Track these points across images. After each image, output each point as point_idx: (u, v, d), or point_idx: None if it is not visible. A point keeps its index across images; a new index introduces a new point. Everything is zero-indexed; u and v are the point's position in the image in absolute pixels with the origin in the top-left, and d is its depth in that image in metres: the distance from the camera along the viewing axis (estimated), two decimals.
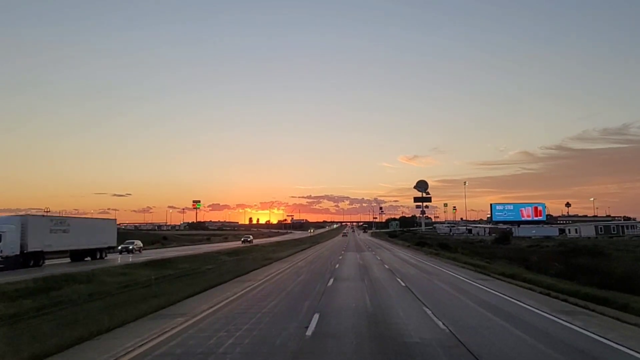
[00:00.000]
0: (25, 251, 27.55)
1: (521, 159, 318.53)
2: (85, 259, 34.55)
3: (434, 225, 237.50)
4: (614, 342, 8.20)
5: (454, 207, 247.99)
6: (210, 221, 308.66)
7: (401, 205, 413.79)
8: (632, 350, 7.67)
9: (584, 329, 9.35)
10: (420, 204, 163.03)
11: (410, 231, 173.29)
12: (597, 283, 17.37)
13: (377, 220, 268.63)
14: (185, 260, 33.21)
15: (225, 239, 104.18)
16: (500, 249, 56.46)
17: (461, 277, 20.41)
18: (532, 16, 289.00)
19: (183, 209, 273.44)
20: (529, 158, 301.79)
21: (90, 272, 21.23)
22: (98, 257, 35.45)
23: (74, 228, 32.61)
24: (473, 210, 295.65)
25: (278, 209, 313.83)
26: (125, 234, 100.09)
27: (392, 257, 37.35)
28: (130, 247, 46.11)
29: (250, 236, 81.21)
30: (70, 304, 12.99)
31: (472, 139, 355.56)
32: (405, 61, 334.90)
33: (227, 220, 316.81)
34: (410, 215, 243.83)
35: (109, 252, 38.56)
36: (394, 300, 13.60)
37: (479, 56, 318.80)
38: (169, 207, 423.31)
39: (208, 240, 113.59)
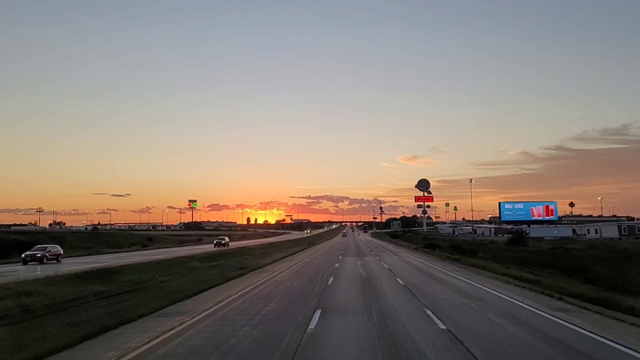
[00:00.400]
0: None
1: (521, 159, 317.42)
2: None
3: (435, 225, 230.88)
4: None
5: (455, 207, 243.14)
6: (209, 221, 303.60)
7: (401, 206, 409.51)
8: None
9: None
10: (421, 203, 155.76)
11: (412, 231, 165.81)
12: None
13: (377, 220, 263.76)
14: (136, 270, 25.52)
15: (200, 240, 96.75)
16: (522, 251, 48.98)
17: (527, 306, 12.61)
18: (532, 16, 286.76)
19: (180, 209, 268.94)
20: (528, 158, 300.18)
21: None
22: None
23: None
24: (474, 210, 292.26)
25: (277, 209, 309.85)
26: (106, 234, 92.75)
27: (403, 265, 29.63)
28: (39, 254, 33.69)
29: (226, 238, 68.00)
30: None
31: (472, 139, 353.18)
32: (405, 61, 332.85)
33: (224, 221, 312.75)
34: (411, 216, 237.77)
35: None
36: None
37: (478, 56, 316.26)
38: (169, 207, 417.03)
39: (199, 240, 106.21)
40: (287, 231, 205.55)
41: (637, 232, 71.93)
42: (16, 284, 17.21)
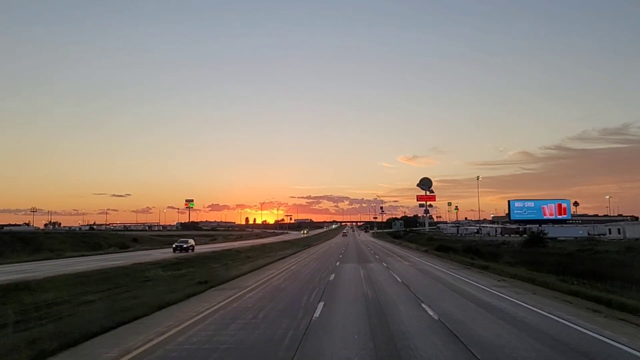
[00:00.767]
0: None
1: (521, 159, 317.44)
2: None
3: (437, 225, 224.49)
4: None
5: (456, 206, 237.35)
6: (207, 221, 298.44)
7: (401, 206, 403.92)
8: None
9: None
10: (423, 202, 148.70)
11: (414, 231, 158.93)
12: None
13: (377, 220, 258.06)
14: (63, 284, 18.60)
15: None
16: (550, 255, 41.91)
17: None
18: (532, 16, 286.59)
19: (179, 209, 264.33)
20: (528, 158, 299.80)
21: None
22: None
23: None
24: (473, 210, 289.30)
25: (278, 209, 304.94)
26: (86, 235, 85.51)
27: (422, 278, 22.15)
28: None
29: (190, 240, 51.84)
30: None
31: (472, 139, 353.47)
32: (405, 61, 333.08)
33: (223, 220, 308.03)
34: (412, 215, 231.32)
35: None
36: None
37: (478, 56, 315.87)
38: (168, 207, 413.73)
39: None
40: (285, 231, 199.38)
41: None
42: None
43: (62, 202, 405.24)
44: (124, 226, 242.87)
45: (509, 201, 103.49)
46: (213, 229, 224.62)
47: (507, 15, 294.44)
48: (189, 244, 48.93)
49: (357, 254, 41.66)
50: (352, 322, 10.37)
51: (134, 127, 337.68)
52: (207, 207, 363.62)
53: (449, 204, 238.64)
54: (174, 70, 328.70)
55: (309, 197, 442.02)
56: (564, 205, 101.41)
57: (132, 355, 7.74)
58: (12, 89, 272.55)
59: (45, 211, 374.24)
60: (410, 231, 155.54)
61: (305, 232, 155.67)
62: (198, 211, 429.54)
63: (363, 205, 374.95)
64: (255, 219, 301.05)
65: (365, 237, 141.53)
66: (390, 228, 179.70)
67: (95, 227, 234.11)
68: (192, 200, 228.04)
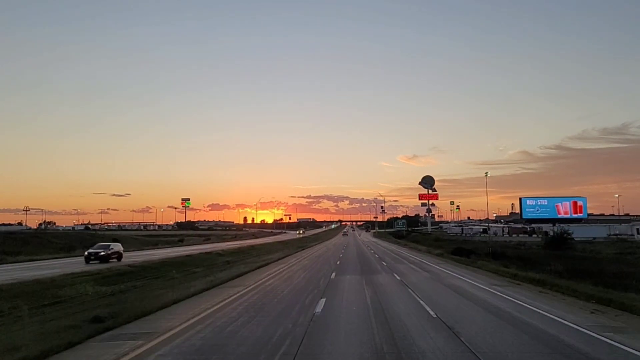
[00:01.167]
0: None
1: (521, 159, 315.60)
2: None
3: (440, 224, 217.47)
4: None
5: (458, 206, 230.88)
6: (205, 220, 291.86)
7: (401, 205, 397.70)
8: None
9: None
10: (425, 201, 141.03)
11: (416, 231, 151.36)
12: None
13: (377, 219, 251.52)
14: None
15: (180, 241, 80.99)
16: (593, 261, 34.45)
17: None
18: (532, 16, 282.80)
19: (176, 208, 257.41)
20: (528, 158, 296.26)
21: None
22: None
23: None
24: (473, 209, 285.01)
25: (278, 208, 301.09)
26: (55, 235, 77.87)
27: (467, 307, 13.66)
28: None
29: (115, 245, 36.96)
30: None
31: (472, 138, 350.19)
32: (405, 61, 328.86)
33: (222, 220, 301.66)
34: (413, 215, 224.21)
35: None
36: None
37: (478, 56, 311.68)
38: (168, 206, 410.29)
39: (180, 242, 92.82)
40: (283, 231, 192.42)
41: None
42: None
43: (62, 202, 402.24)
44: (119, 226, 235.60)
45: (520, 199, 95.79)
46: (210, 229, 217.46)
47: (507, 15, 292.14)
48: (111, 250, 34.72)
49: (359, 259, 33.87)
50: None
51: (133, 126, 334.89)
52: (207, 206, 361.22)
53: (452, 202, 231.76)
54: (174, 69, 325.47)
55: (309, 197, 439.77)
56: (579, 203, 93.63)
57: None
58: (11, 88, 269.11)
59: (47, 211, 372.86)
60: (413, 231, 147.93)
61: (301, 232, 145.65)
62: (198, 211, 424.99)
63: (363, 204, 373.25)
64: (253, 218, 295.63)
65: (366, 236, 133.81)
66: (391, 228, 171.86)
67: (90, 226, 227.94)
68: (188, 199, 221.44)
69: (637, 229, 69.78)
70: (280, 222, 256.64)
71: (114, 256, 34.78)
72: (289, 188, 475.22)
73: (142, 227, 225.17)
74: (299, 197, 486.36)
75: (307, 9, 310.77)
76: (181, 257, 39.39)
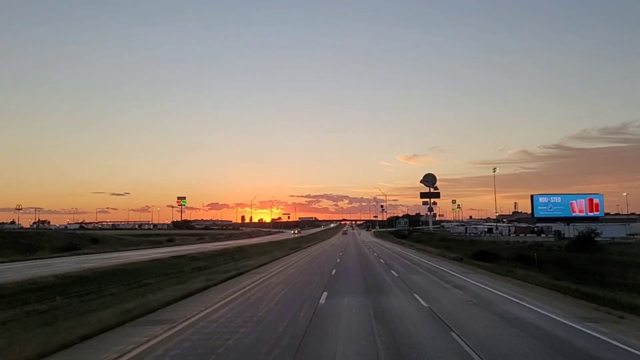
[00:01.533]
0: None
1: (520, 158, 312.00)
2: None
3: (441, 223, 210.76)
4: None
5: (458, 205, 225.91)
6: (202, 220, 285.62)
7: (401, 205, 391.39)
8: None
9: None
10: (427, 200, 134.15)
11: (418, 230, 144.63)
12: None
13: (377, 218, 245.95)
14: None
15: (170, 241, 73.55)
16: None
17: None
18: (531, 15, 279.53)
19: (173, 207, 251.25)
20: (528, 157, 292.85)
21: None
22: None
23: None
24: (473, 209, 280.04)
25: (277, 208, 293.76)
26: (22, 235, 70.61)
27: None
28: None
29: None
30: None
31: (471, 138, 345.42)
32: (405, 60, 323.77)
33: (219, 219, 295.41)
34: (414, 214, 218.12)
35: None
36: None
37: (478, 55, 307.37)
38: (168, 205, 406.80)
39: (169, 241, 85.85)
40: (281, 230, 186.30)
41: None
42: None
43: (61, 201, 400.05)
44: (114, 225, 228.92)
45: (532, 196, 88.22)
46: (206, 228, 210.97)
47: (506, 14, 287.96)
48: None
49: (361, 266, 26.57)
50: None
51: (133, 126, 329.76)
52: (207, 205, 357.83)
53: (454, 201, 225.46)
54: (174, 69, 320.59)
55: (308, 196, 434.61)
56: (595, 200, 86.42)
57: None
58: (11, 88, 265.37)
59: (46, 210, 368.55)
60: (414, 230, 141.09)
61: (296, 231, 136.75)
62: (197, 210, 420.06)
63: (363, 204, 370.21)
64: (251, 217, 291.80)
65: (366, 236, 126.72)
66: (393, 227, 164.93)
67: (84, 225, 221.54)
68: (184, 198, 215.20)
69: None
70: (278, 221, 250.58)
71: None
72: (289, 187, 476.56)
73: (137, 226, 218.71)
74: (298, 196, 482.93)
75: (307, 9, 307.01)
76: (145, 261, 32.28)
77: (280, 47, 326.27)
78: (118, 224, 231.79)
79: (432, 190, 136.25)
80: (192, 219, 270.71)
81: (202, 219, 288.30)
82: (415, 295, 14.60)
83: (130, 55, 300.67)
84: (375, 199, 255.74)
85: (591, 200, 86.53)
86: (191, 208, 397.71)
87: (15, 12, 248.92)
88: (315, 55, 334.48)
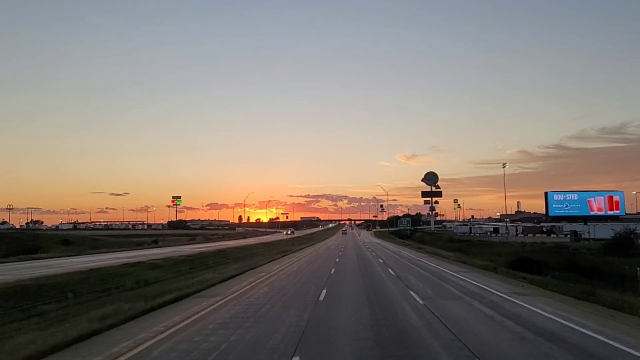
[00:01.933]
0: None
1: (519, 158, 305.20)
2: None
3: (443, 223, 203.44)
4: None
5: (459, 204, 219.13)
6: (199, 219, 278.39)
7: (400, 204, 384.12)
8: None
9: None
10: (429, 199, 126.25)
11: (419, 230, 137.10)
12: None
13: (377, 218, 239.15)
14: None
15: (155, 242, 64.82)
16: None
17: None
18: (531, 15, 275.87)
19: (169, 206, 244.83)
20: (527, 157, 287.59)
21: None
22: None
23: None
24: (472, 209, 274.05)
25: (276, 208, 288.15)
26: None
27: None
28: None
29: None
30: None
31: (471, 137, 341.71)
32: (404, 60, 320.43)
33: (216, 219, 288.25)
34: (414, 214, 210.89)
35: None
36: None
37: (477, 55, 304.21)
38: (167, 206, 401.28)
39: (155, 242, 78.48)
40: (278, 230, 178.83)
41: None
42: None
43: (60, 201, 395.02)
44: (107, 225, 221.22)
45: (546, 193, 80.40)
46: (202, 228, 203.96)
47: (506, 13, 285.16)
48: None
49: (363, 281, 18.49)
50: None
51: (132, 125, 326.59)
52: (206, 205, 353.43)
53: (455, 200, 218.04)
54: (173, 69, 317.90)
55: (307, 196, 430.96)
56: (615, 198, 78.69)
57: None
58: (10, 88, 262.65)
59: (45, 210, 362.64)
60: (415, 230, 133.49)
61: (289, 232, 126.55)
62: (196, 210, 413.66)
63: (362, 204, 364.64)
64: (249, 217, 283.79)
65: (367, 236, 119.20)
66: (393, 226, 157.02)
67: (77, 225, 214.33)
68: (179, 197, 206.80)
69: None
70: (276, 220, 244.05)
71: None
72: (288, 187, 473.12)
73: (130, 227, 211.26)
74: (297, 196, 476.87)
75: (307, 9, 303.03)
76: (82, 272, 24.50)
77: (280, 47, 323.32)
78: (111, 224, 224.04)
79: (433, 189, 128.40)
80: (189, 219, 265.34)
81: (199, 219, 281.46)
82: None
83: (130, 55, 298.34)
84: (375, 198, 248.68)
85: (611, 198, 78.80)
86: (190, 208, 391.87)
87: (15, 12, 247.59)
88: (315, 55, 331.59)
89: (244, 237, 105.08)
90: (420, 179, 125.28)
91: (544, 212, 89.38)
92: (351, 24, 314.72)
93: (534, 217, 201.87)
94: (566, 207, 79.44)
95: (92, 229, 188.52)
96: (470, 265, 26.72)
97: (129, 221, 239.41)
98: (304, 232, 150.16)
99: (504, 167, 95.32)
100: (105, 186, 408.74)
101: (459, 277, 20.43)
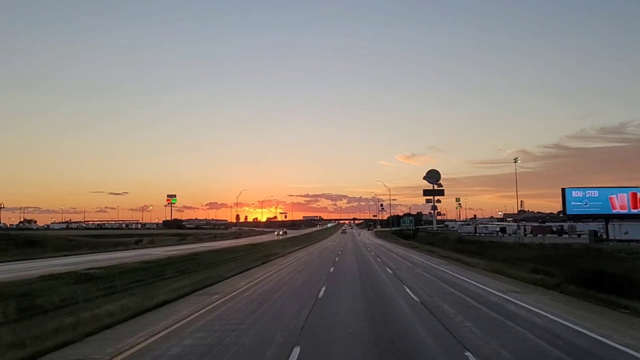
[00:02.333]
0: None
1: (519, 158, 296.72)
2: None
3: (445, 223, 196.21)
4: None
5: (459, 203, 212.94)
6: (196, 219, 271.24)
7: (399, 204, 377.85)
8: None
9: None
10: (430, 197, 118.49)
11: (421, 230, 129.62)
12: None
13: (377, 217, 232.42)
14: None
15: (137, 243, 56.57)
16: None
17: None
18: (530, 14, 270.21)
19: (165, 206, 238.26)
20: (526, 156, 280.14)
21: None
22: None
23: None
24: (471, 208, 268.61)
25: (276, 207, 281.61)
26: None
27: None
28: None
29: None
30: None
31: (470, 137, 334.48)
32: (403, 60, 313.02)
33: (214, 219, 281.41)
34: (415, 213, 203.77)
35: None
36: None
37: (476, 54, 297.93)
38: (166, 206, 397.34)
39: (137, 243, 71.00)
40: (275, 230, 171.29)
41: None
42: None
43: (59, 201, 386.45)
44: (99, 224, 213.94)
45: (563, 190, 72.52)
46: (197, 227, 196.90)
47: (505, 13, 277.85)
48: None
49: (369, 331, 11.05)
50: None
51: (132, 125, 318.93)
52: (205, 205, 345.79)
53: (457, 199, 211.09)
54: (173, 68, 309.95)
55: (307, 196, 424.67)
56: None
57: None
58: (10, 87, 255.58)
59: (44, 209, 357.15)
60: (418, 230, 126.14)
61: (280, 232, 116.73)
62: (196, 209, 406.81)
63: (362, 203, 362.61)
64: (246, 216, 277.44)
65: (367, 236, 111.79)
66: (395, 226, 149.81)
67: (70, 225, 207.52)
68: (174, 196, 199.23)
69: None
70: (273, 220, 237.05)
71: None
72: (288, 187, 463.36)
73: (124, 226, 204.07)
74: (297, 195, 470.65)
75: (306, 9, 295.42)
76: None
77: (280, 47, 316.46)
78: (104, 224, 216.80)
79: (436, 187, 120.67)
80: (186, 218, 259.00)
81: (196, 218, 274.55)
82: None
83: (130, 55, 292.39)
84: (374, 198, 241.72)
85: (635, 195, 70.92)
86: (190, 208, 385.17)
87: (15, 12, 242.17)
88: (314, 55, 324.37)
89: (236, 237, 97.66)
90: (422, 177, 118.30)
91: (561, 211, 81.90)
92: (351, 24, 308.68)
93: (538, 217, 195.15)
94: (585, 204, 71.65)
95: (85, 228, 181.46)
96: (514, 279, 19.17)
97: (123, 221, 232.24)
98: (301, 232, 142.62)
99: (515, 162, 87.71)
100: (104, 186, 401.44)
101: (519, 304, 12.76)
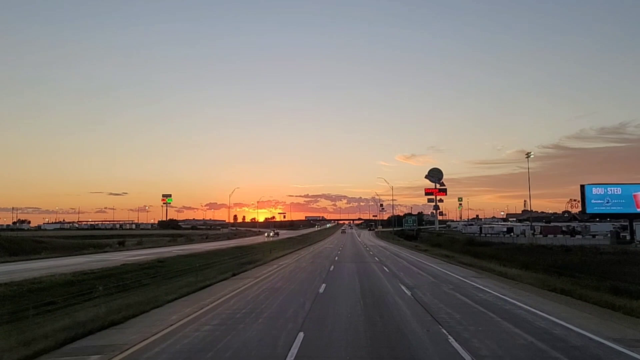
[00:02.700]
0: None
1: (518, 158, 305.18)
2: None
3: (447, 223, 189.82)
4: None
5: (460, 203, 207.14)
6: (193, 219, 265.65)
7: (399, 204, 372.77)
8: None
9: None
10: (432, 197, 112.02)
11: (424, 230, 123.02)
12: None
13: (377, 217, 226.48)
14: None
15: (121, 244, 49.12)
16: None
17: None
18: (530, 14, 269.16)
19: (162, 206, 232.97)
20: (526, 157, 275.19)
21: None
22: None
23: None
24: (471, 209, 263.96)
25: (275, 207, 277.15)
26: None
27: None
28: None
29: None
30: None
31: (470, 137, 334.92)
32: (403, 60, 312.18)
33: (211, 219, 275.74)
34: (416, 213, 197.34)
35: None
36: None
37: (476, 55, 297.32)
38: (162, 206, 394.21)
39: (120, 244, 64.15)
40: (273, 230, 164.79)
41: None
42: None
43: (59, 201, 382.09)
44: (92, 225, 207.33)
45: (583, 186, 65.55)
46: (193, 228, 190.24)
47: (505, 13, 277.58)
48: None
49: None
50: None
51: (131, 125, 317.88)
52: (205, 205, 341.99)
53: (460, 199, 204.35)
54: (173, 69, 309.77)
55: (307, 196, 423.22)
56: None
57: None
58: (11, 87, 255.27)
59: (44, 209, 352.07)
60: (420, 230, 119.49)
61: (271, 233, 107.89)
62: (195, 209, 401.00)
63: (361, 204, 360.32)
64: (244, 217, 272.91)
65: (368, 237, 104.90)
66: (396, 226, 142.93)
67: (63, 225, 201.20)
68: (169, 196, 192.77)
69: None
70: (272, 220, 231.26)
71: None
72: (287, 187, 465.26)
73: (118, 226, 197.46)
74: (297, 196, 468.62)
75: (306, 9, 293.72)
76: None
77: (279, 47, 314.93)
78: (97, 224, 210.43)
79: (438, 186, 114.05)
80: (187, 219, 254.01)
81: (194, 219, 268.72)
82: None
83: (129, 55, 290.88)
84: (374, 198, 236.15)
85: None
86: (190, 208, 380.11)
87: (15, 12, 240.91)
88: (314, 55, 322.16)
89: (228, 239, 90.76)
90: (424, 176, 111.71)
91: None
92: (351, 24, 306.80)
93: (543, 217, 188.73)
94: (607, 202, 64.60)
95: (77, 229, 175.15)
96: (577, 299, 12.34)
97: (118, 221, 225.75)
98: (298, 233, 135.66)
99: (527, 157, 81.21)
100: (104, 186, 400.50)
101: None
